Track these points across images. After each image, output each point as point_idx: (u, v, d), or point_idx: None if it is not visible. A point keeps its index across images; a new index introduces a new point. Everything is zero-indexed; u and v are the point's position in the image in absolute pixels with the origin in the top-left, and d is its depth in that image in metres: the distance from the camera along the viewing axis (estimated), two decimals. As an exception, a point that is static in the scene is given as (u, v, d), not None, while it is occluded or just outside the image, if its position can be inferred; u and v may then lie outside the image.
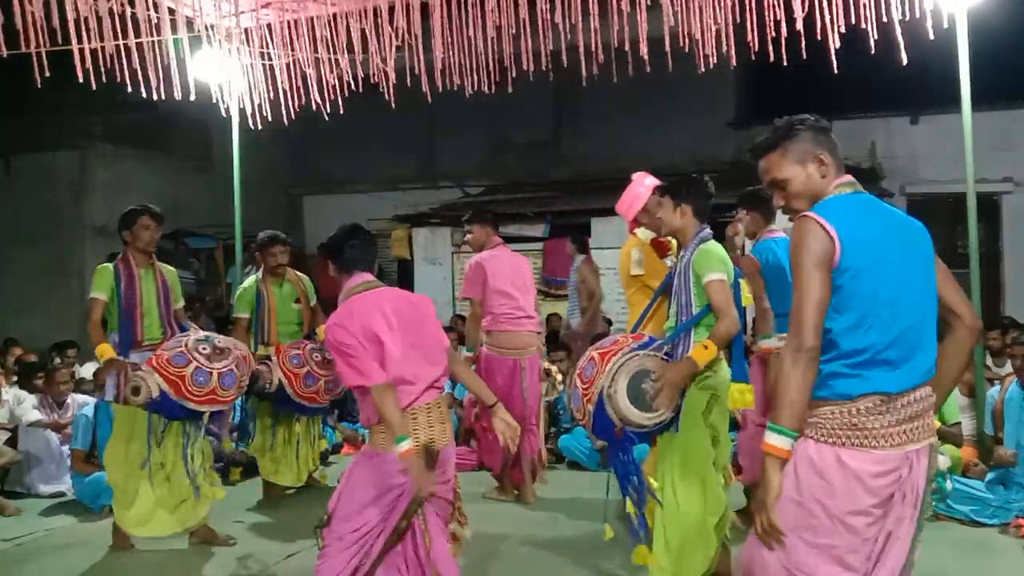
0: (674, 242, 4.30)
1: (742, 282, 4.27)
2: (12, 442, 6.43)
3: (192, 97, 5.71)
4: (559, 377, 6.24)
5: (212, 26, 5.94)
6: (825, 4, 4.88)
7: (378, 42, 5.76)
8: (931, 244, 2.44)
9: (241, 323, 5.77)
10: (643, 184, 4.69)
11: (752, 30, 5.05)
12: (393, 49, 5.77)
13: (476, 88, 5.92)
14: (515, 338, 5.57)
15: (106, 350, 4.60)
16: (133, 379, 4.44)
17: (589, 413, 3.51)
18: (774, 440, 2.24)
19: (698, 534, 3.61)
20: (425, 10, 5.67)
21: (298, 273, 6.03)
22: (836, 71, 4.92)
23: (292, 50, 6.17)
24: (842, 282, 2.23)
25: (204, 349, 4.60)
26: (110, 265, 4.81)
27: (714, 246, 3.78)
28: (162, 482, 4.73)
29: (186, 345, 4.58)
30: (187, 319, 5.24)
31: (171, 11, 5.60)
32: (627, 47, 5.38)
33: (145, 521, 4.74)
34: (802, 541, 2.24)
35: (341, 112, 6.15)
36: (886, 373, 2.22)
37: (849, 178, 2.42)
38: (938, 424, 5.43)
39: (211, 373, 4.52)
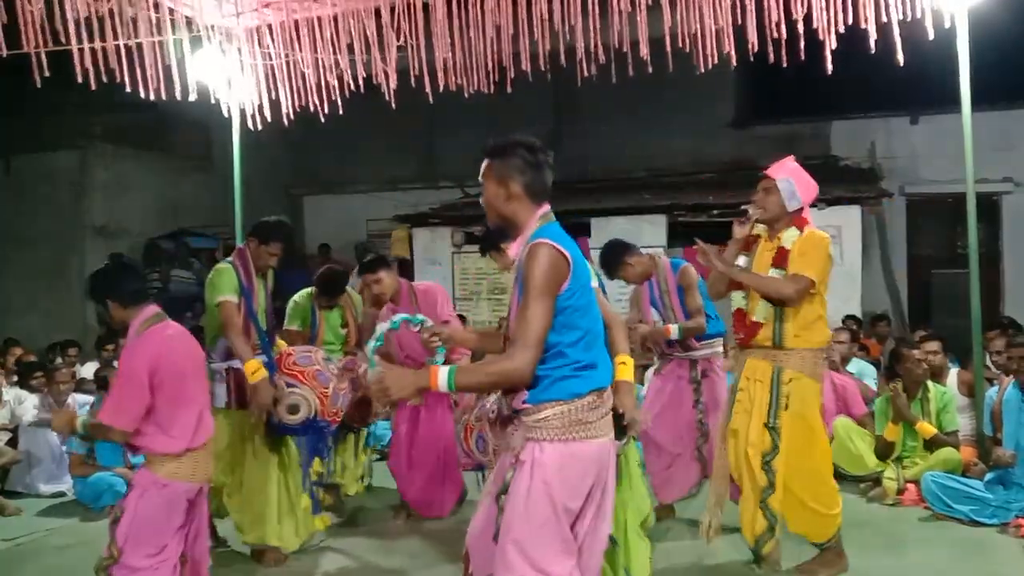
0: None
1: None
2: (12, 442, 6.44)
3: (192, 97, 5.71)
4: None
5: (212, 26, 5.94)
6: (825, 4, 4.89)
7: (379, 42, 5.77)
8: None
9: (294, 336, 5.42)
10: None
11: (752, 30, 5.05)
12: (394, 49, 5.78)
13: (476, 88, 5.93)
14: None
15: (257, 367, 4.25)
16: (291, 397, 4.25)
17: None
18: (441, 375, 2.44)
19: (637, 535, 3.63)
20: (426, 10, 5.67)
21: (350, 291, 5.83)
22: (836, 71, 4.92)
23: (292, 50, 6.17)
24: (571, 302, 2.48)
25: (333, 368, 4.49)
26: (230, 266, 4.47)
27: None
28: (286, 494, 4.62)
29: (318, 361, 4.43)
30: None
31: (171, 11, 5.61)
32: (627, 47, 5.38)
33: (279, 533, 4.57)
34: (542, 538, 2.44)
35: (341, 112, 6.15)
36: (598, 373, 2.54)
37: (547, 208, 2.60)
38: (934, 430, 5.48)
39: (339, 394, 4.42)
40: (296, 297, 5.66)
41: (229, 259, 4.57)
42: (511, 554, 2.45)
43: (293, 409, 4.24)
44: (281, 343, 4.83)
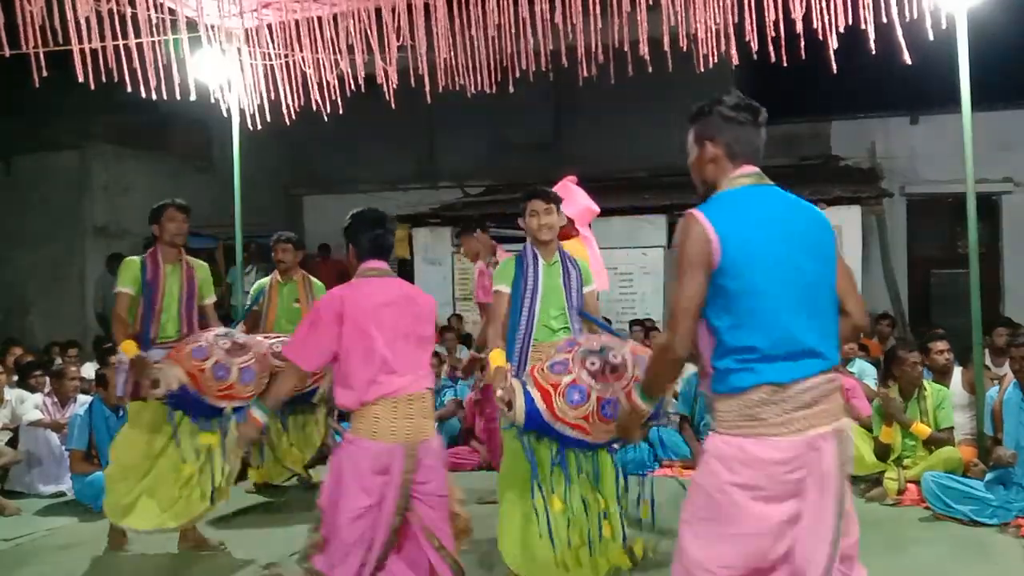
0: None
1: None
2: (12, 442, 6.43)
3: (192, 97, 5.71)
4: None
5: (213, 26, 5.94)
6: (825, 4, 4.89)
7: (379, 42, 5.77)
8: (831, 234, 2.40)
9: (253, 316, 5.89)
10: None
11: (752, 30, 5.05)
12: (394, 49, 5.78)
13: (476, 88, 5.93)
14: None
15: (130, 347, 4.48)
16: (151, 372, 4.35)
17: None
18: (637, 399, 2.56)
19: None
20: (426, 10, 5.68)
21: (308, 276, 6.10)
22: (836, 71, 4.92)
23: (292, 50, 6.17)
24: (723, 282, 2.24)
25: (224, 343, 4.50)
26: (137, 259, 4.72)
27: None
28: (156, 474, 4.65)
29: (206, 339, 4.51)
30: (215, 316, 5.08)
31: (172, 11, 5.62)
32: (627, 47, 5.39)
33: (128, 511, 4.61)
34: (707, 530, 2.26)
35: (341, 112, 6.15)
36: (773, 366, 2.23)
37: (750, 169, 2.36)
38: (929, 430, 5.47)
39: (230, 368, 4.42)
40: (263, 279, 6.01)
41: (143, 254, 4.79)
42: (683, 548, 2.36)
43: (154, 384, 4.34)
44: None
